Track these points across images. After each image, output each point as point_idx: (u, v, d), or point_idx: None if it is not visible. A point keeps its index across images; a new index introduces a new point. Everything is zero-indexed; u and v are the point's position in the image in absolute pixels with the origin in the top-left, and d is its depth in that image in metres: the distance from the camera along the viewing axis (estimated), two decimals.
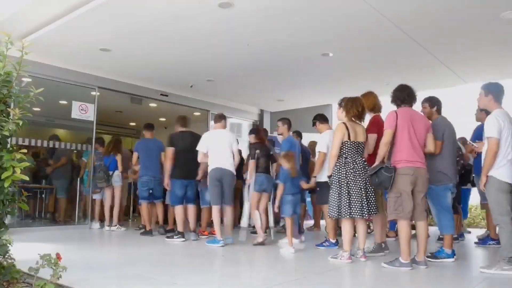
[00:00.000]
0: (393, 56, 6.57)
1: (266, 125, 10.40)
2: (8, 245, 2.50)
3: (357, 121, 4.40)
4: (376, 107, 4.86)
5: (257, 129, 6.47)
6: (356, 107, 4.38)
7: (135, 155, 6.86)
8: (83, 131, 7.80)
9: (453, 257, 4.28)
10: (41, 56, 6.41)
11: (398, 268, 3.81)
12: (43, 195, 8.05)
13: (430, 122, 4.36)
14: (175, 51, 6.44)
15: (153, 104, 9.47)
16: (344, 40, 5.93)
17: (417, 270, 3.81)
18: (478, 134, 5.15)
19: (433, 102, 4.63)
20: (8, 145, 2.48)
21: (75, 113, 7.24)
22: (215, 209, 5.45)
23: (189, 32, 5.63)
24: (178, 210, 5.89)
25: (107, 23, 5.34)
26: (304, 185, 5.47)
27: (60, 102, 7.64)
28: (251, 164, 5.61)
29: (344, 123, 4.33)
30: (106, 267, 3.98)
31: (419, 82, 7.86)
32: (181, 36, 5.82)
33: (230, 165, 5.49)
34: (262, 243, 5.37)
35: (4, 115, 2.45)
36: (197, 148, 5.56)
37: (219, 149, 5.48)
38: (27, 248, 3.49)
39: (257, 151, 5.64)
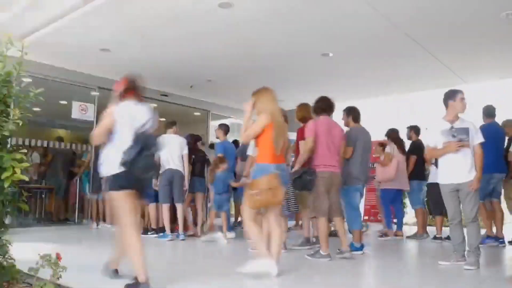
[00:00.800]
0: (393, 56, 6.57)
1: None
2: (8, 245, 2.50)
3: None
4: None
5: (190, 137, 6.75)
6: (302, 112, 4.97)
7: None
8: (83, 131, 7.80)
9: (361, 250, 4.70)
10: (41, 56, 6.41)
11: (318, 259, 4.27)
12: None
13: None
14: (175, 51, 6.44)
15: (153, 104, 9.42)
16: (344, 40, 5.94)
17: (334, 261, 4.27)
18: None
19: (348, 112, 5.00)
20: (8, 145, 2.48)
21: (75, 113, 7.24)
22: (165, 207, 5.91)
23: (189, 32, 5.63)
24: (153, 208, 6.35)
25: (107, 23, 5.35)
26: (233, 184, 6.11)
27: (60, 102, 7.65)
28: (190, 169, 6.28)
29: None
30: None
31: (419, 82, 7.90)
32: (181, 36, 5.82)
33: (180, 167, 5.95)
34: (193, 235, 6.19)
35: (4, 115, 2.45)
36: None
37: (170, 153, 5.88)
38: (27, 248, 3.48)
39: (193, 156, 6.31)
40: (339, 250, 4.44)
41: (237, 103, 9.90)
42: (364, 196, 6.30)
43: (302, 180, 4.31)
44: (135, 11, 5.03)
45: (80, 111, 7.25)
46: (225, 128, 6.40)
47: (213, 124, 9.51)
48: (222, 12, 4.95)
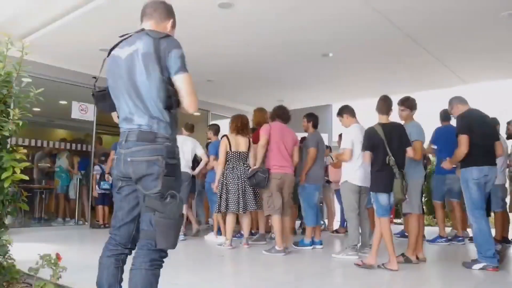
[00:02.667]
0: (393, 56, 6.57)
1: None
2: (8, 245, 2.50)
3: (240, 135, 5.28)
4: (260, 123, 5.49)
5: None
6: (237, 123, 5.30)
7: None
8: (83, 131, 7.80)
9: (311, 245, 5.19)
10: (41, 56, 6.40)
11: (274, 254, 4.71)
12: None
13: (305, 135, 5.51)
14: None
15: None
16: (344, 40, 5.93)
17: (287, 256, 4.72)
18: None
19: (308, 118, 5.48)
20: (8, 145, 2.47)
21: (75, 113, 7.23)
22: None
23: (189, 32, 5.63)
24: None
25: (107, 23, 5.34)
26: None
27: (60, 102, 7.64)
28: None
29: (226, 136, 5.31)
30: None
31: (419, 82, 7.90)
32: (181, 36, 5.78)
33: (189, 169, 6.09)
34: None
35: (4, 115, 2.45)
36: None
37: (183, 155, 5.92)
38: (27, 248, 3.49)
39: None
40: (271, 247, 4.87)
41: (237, 103, 9.92)
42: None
43: (256, 178, 4.80)
44: (135, 11, 5.02)
45: (80, 111, 7.25)
46: (215, 128, 6.49)
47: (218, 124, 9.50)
48: (222, 12, 4.95)
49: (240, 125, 5.27)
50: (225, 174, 5.19)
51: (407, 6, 4.82)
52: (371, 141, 3.96)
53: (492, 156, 4.09)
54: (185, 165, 5.77)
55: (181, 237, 5.84)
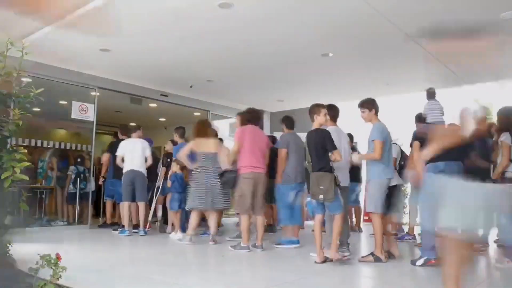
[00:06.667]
0: (393, 56, 6.57)
1: (266, 125, 10.39)
2: (8, 245, 2.50)
3: (205, 137, 5.62)
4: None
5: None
6: (198, 127, 5.73)
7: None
8: (83, 131, 7.80)
9: (290, 244, 5.26)
10: (41, 56, 6.39)
11: (239, 250, 4.91)
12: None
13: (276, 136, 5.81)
14: (175, 51, 6.43)
15: (153, 104, 9.46)
16: (344, 40, 5.93)
17: (252, 252, 4.89)
18: None
19: (283, 120, 5.75)
20: (8, 145, 2.48)
21: (75, 113, 7.23)
22: (126, 205, 6.45)
23: (189, 32, 5.63)
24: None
25: (107, 23, 5.34)
26: None
27: (60, 102, 7.64)
28: (163, 171, 6.86)
29: (193, 140, 5.68)
30: (106, 267, 3.98)
31: (418, 82, 7.89)
32: (181, 36, 5.82)
33: (142, 168, 6.57)
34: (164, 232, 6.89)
35: (4, 115, 2.45)
36: (116, 153, 6.66)
37: (134, 155, 6.53)
38: (27, 248, 3.49)
39: (168, 159, 6.81)
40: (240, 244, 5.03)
41: (237, 103, 9.92)
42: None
43: (224, 177, 5.14)
44: (135, 11, 5.03)
45: (80, 111, 7.25)
46: (181, 132, 6.78)
47: (214, 124, 9.50)
48: (222, 12, 4.95)
49: (199, 128, 5.74)
50: (193, 173, 5.59)
51: (407, 7, 4.82)
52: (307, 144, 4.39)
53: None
54: (140, 165, 6.51)
55: (141, 232, 6.39)
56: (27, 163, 2.35)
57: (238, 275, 3.90)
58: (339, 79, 7.95)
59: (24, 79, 2.52)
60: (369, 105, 4.56)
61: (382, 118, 4.71)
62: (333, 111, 4.83)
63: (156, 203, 7.01)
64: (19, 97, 2.50)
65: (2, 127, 2.36)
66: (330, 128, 4.58)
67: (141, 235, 6.34)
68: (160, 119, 11.62)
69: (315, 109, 4.45)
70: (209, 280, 3.62)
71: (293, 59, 6.75)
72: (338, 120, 5.09)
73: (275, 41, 5.96)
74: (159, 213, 7.23)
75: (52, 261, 2.45)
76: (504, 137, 4.50)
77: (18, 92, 2.50)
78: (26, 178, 2.33)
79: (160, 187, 6.91)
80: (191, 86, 8.49)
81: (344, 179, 4.58)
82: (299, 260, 4.60)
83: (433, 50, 5.13)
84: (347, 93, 9.07)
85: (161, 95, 8.69)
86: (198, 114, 9.94)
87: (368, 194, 4.48)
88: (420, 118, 5.76)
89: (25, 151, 2.45)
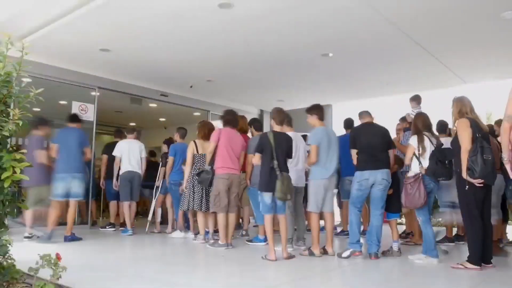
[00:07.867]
0: (393, 56, 6.57)
1: (266, 125, 10.38)
2: (8, 245, 2.50)
3: (207, 140, 5.69)
4: (244, 128, 6.02)
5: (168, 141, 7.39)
6: (204, 130, 5.88)
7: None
8: (83, 131, 7.77)
9: (264, 242, 5.33)
10: (41, 56, 6.40)
11: (217, 248, 5.11)
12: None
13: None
14: (175, 51, 6.43)
15: (153, 104, 9.46)
16: (344, 40, 5.93)
17: (230, 249, 5.10)
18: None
19: (251, 122, 5.98)
20: (8, 145, 2.47)
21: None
22: (126, 204, 6.61)
23: (189, 32, 5.63)
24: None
25: (107, 23, 5.34)
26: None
27: (60, 102, 7.64)
28: (162, 170, 6.86)
29: (194, 141, 5.87)
30: (106, 267, 3.98)
31: (419, 82, 7.90)
32: (181, 36, 5.82)
33: (138, 169, 6.73)
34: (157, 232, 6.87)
35: (4, 115, 2.45)
36: (113, 154, 6.78)
37: (129, 156, 6.66)
38: (27, 248, 3.49)
39: (166, 159, 6.71)
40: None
41: (237, 103, 9.92)
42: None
43: (200, 178, 5.35)
44: (135, 11, 5.03)
45: (80, 111, 7.25)
46: (182, 132, 6.74)
47: (214, 124, 9.49)
48: (222, 12, 4.95)
49: (207, 132, 5.79)
50: (192, 175, 5.67)
51: (407, 6, 4.82)
52: (261, 145, 4.47)
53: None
54: (137, 166, 6.67)
55: (129, 231, 6.46)
56: (27, 163, 2.34)
57: (238, 275, 3.90)
58: (339, 79, 7.95)
59: (24, 79, 2.52)
60: (311, 111, 4.87)
61: (382, 118, 4.75)
62: (320, 111, 4.96)
63: (156, 203, 6.99)
64: (19, 97, 2.49)
65: (2, 127, 2.36)
66: (290, 133, 4.89)
67: (128, 234, 6.43)
68: (160, 119, 11.62)
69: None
70: (209, 280, 3.63)
71: (293, 59, 6.75)
72: (339, 120, 5.14)
73: (275, 41, 5.96)
74: (159, 213, 7.21)
75: (52, 261, 2.45)
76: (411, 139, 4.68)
77: (18, 92, 2.50)
78: (26, 178, 2.33)
79: (160, 187, 6.90)
80: (191, 86, 8.49)
81: (300, 180, 5.18)
82: (300, 260, 4.59)
83: None
84: (347, 93, 9.08)
85: (161, 95, 8.69)
86: (198, 114, 9.94)
87: (308, 194, 4.80)
88: (348, 125, 6.29)
89: (25, 151, 2.45)
